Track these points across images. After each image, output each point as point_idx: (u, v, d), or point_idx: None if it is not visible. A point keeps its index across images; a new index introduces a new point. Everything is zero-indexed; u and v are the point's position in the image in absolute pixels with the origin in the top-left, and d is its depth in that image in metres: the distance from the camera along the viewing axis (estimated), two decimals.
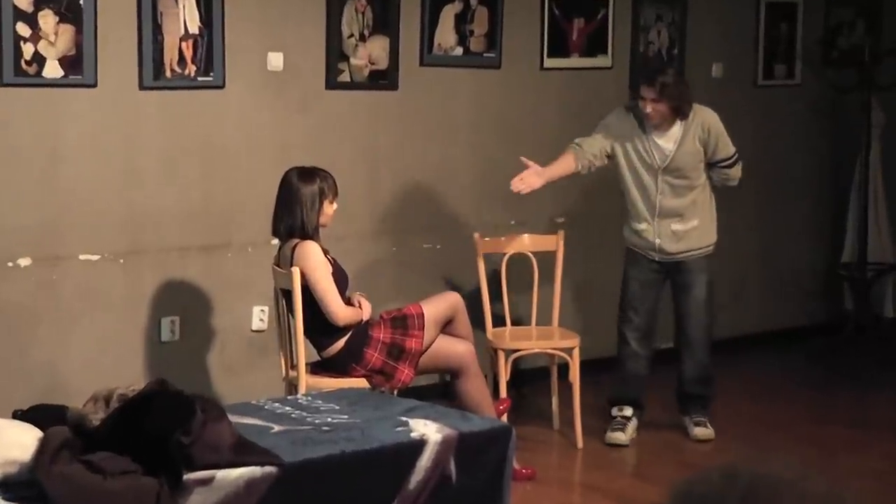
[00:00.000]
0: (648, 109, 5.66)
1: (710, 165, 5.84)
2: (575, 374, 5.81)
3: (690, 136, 5.75)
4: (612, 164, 5.85)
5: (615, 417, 5.96)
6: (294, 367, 5.20)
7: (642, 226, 5.83)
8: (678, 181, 5.79)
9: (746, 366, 7.33)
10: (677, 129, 5.75)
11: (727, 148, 5.83)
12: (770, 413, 6.44)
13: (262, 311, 5.96)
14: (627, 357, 5.95)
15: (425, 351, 5.18)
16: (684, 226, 5.82)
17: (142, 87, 5.59)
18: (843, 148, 8.01)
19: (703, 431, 5.94)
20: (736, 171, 5.90)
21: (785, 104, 7.78)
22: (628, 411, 5.97)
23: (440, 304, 5.29)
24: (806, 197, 8.00)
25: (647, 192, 5.80)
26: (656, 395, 6.10)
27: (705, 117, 5.79)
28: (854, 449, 5.82)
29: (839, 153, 8.05)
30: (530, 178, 5.66)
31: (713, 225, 5.93)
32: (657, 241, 5.81)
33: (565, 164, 5.79)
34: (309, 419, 4.14)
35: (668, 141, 5.75)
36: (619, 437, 5.89)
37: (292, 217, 5.10)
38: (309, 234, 5.11)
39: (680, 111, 5.70)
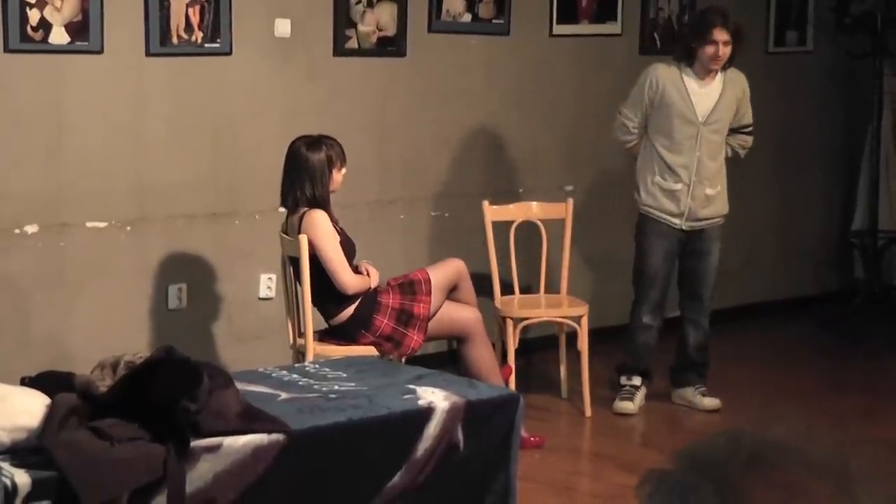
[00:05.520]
0: (720, 53, 5.60)
1: (733, 131, 5.83)
2: (583, 343, 5.80)
3: (729, 92, 5.74)
4: (648, 118, 5.76)
5: (624, 386, 5.94)
6: (301, 334, 5.19)
7: (677, 186, 5.72)
8: (715, 137, 5.73)
9: (757, 334, 7.31)
10: (718, 83, 5.73)
11: (749, 113, 5.87)
12: (781, 381, 6.43)
13: (270, 278, 5.95)
14: (640, 329, 5.89)
15: (432, 317, 5.18)
16: (713, 190, 5.79)
17: (148, 53, 5.56)
18: (854, 115, 7.96)
19: (713, 401, 5.92)
20: (751, 140, 5.93)
21: (797, 71, 7.73)
22: (637, 380, 5.95)
23: (445, 270, 5.28)
24: (817, 164, 7.96)
25: (685, 149, 5.72)
26: (665, 361, 6.07)
27: (743, 78, 5.82)
28: (865, 417, 5.81)
29: (851, 120, 8.01)
30: None
31: (726, 193, 5.92)
32: (690, 202, 5.73)
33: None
34: (316, 387, 4.13)
35: (709, 93, 5.72)
36: (628, 406, 5.88)
37: (301, 188, 5.08)
38: (320, 204, 5.09)
39: (732, 58, 5.69)
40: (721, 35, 5.59)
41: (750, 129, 5.89)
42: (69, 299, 5.50)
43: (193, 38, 5.66)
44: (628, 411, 5.87)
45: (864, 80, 7.75)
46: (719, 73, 5.73)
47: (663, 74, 5.71)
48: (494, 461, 4.06)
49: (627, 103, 5.82)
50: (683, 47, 5.80)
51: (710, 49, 5.60)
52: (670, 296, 5.97)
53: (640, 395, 5.94)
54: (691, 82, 5.70)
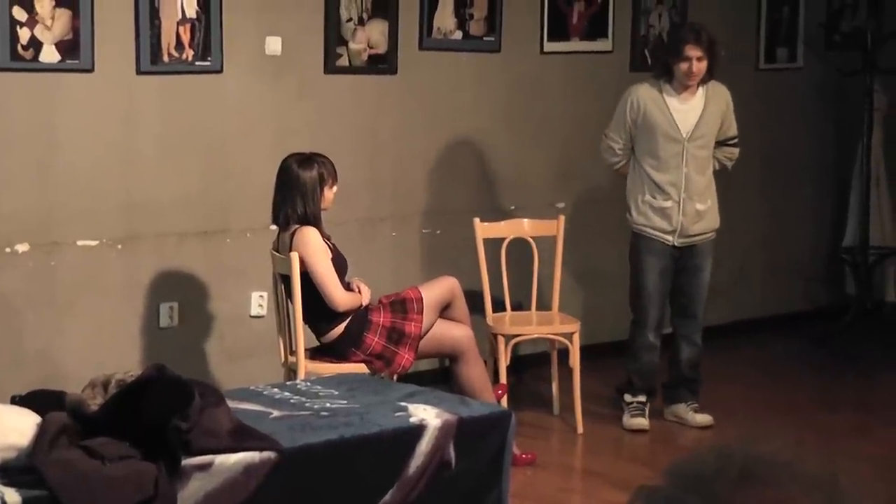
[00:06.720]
0: (694, 69, 5.62)
1: (719, 144, 5.84)
2: (575, 360, 5.79)
3: (713, 106, 5.76)
4: (633, 138, 5.78)
5: (631, 403, 5.89)
6: (293, 352, 5.19)
7: (667, 203, 5.73)
8: (702, 152, 5.75)
9: (748, 350, 7.31)
10: (699, 98, 5.74)
11: (734, 125, 5.88)
12: (772, 398, 6.42)
13: (261, 296, 5.95)
14: (644, 349, 5.86)
15: (424, 335, 5.17)
16: (704, 205, 5.79)
17: (139, 71, 5.57)
18: (845, 131, 7.98)
19: (705, 417, 5.91)
20: (738, 152, 5.94)
21: (787, 88, 7.75)
22: (643, 397, 5.92)
23: (438, 289, 5.28)
24: (808, 181, 7.97)
25: (672, 167, 5.72)
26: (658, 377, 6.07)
27: (725, 91, 5.82)
28: (856, 433, 5.80)
29: (841, 137, 8.03)
30: None
31: (717, 207, 5.93)
32: (681, 219, 5.74)
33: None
34: (308, 404, 4.12)
35: (691, 109, 5.73)
36: (642, 422, 5.85)
37: (293, 206, 5.08)
38: (311, 221, 5.09)
39: (711, 72, 5.70)
40: (693, 51, 5.61)
41: (735, 140, 5.90)
42: (60, 318, 5.49)
43: (184, 56, 5.66)
44: (643, 427, 5.83)
45: (854, 96, 7.77)
46: (700, 88, 5.74)
47: (644, 94, 5.73)
48: (486, 478, 4.05)
49: (611, 125, 5.84)
50: (662, 64, 5.84)
51: (683, 65, 5.63)
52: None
53: (646, 411, 5.93)
54: (672, 100, 5.72)
